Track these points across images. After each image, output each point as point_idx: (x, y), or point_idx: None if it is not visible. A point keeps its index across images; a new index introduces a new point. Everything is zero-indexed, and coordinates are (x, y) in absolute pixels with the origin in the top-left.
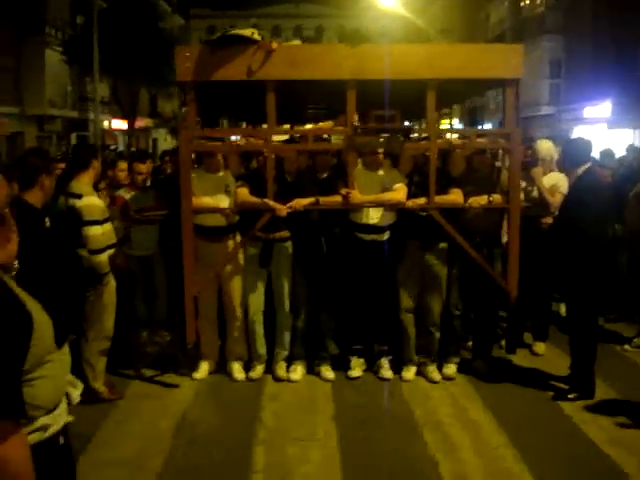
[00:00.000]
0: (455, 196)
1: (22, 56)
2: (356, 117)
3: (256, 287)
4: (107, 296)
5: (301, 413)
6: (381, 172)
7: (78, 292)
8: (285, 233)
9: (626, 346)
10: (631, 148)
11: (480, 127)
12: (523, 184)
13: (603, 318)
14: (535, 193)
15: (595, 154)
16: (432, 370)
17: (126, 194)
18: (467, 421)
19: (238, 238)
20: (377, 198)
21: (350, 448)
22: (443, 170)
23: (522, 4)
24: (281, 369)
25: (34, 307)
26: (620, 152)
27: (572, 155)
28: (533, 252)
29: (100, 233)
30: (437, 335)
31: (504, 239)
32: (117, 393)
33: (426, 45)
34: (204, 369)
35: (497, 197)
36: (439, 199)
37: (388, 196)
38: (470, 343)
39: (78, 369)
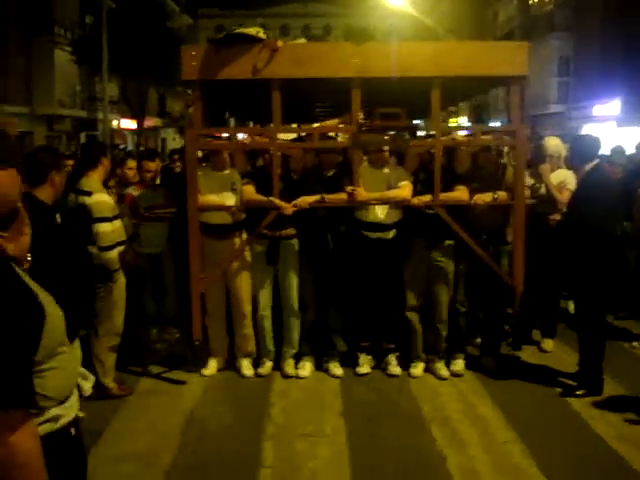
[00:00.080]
0: (460, 193)
1: (31, 56)
2: (361, 115)
3: (264, 284)
4: (117, 293)
5: (309, 409)
6: (386, 170)
7: (89, 288)
8: (291, 231)
9: (634, 343)
10: None
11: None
12: (531, 181)
13: (612, 316)
14: (543, 190)
15: (605, 152)
16: (440, 367)
17: (135, 192)
18: (475, 417)
19: (244, 236)
20: (382, 196)
21: (358, 444)
22: (448, 167)
23: (530, 2)
24: (289, 366)
25: (46, 299)
26: (630, 150)
27: (580, 152)
28: (541, 249)
29: (110, 230)
30: (444, 333)
31: (510, 237)
32: (127, 389)
33: (431, 43)
34: (213, 366)
35: (502, 194)
36: (444, 196)
37: (393, 193)
38: (478, 340)
39: (88, 366)
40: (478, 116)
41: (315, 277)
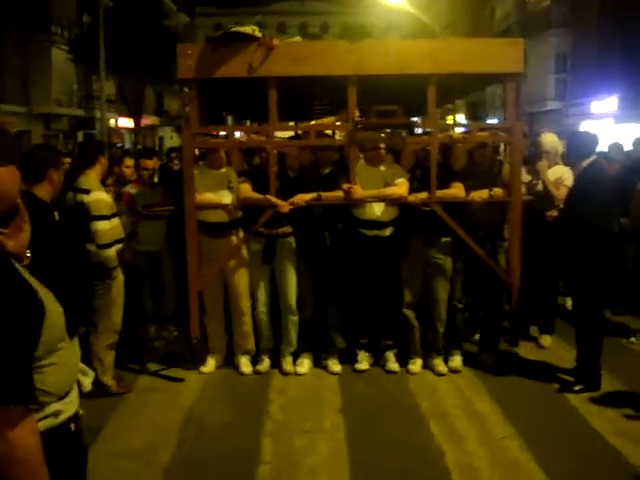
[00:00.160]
0: (457, 190)
1: (28, 55)
2: (358, 112)
3: (261, 282)
4: (115, 290)
5: (308, 406)
6: (383, 167)
7: (87, 285)
8: (288, 229)
9: (632, 339)
10: (638, 142)
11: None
12: (528, 178)
13: (610, 311)
14: (540, 186)
15: (602, 149)
16: (438, 363)
17: (133, 190)
18: (473, 413)
19: (241, 234)
20: (379, 193)
21: (357, 440)
22: (445, 164)
23: None
24: (288, 363)
25: (46, 296)
26: (627, 146)
27: (577, 148)
28: (538, 245)
29: (108, 228)
30: (442, 330)
31: (507, 233)
32: (125, 387)
33: (426, 40)
34: (211, 363)
35: (498, 191)
36: (441, 193)
37: (390, 191)
38: (477, 336)
39: (87, 363)
40: (475, 113)
41: (312, 275)
